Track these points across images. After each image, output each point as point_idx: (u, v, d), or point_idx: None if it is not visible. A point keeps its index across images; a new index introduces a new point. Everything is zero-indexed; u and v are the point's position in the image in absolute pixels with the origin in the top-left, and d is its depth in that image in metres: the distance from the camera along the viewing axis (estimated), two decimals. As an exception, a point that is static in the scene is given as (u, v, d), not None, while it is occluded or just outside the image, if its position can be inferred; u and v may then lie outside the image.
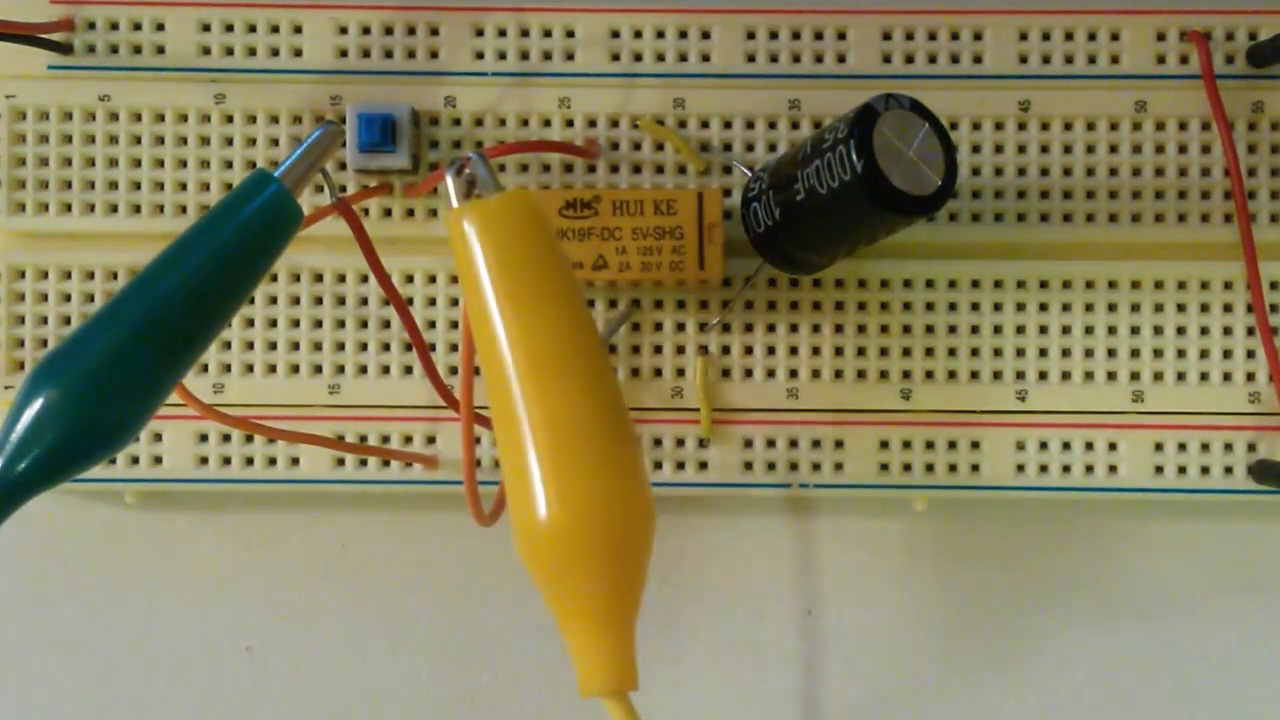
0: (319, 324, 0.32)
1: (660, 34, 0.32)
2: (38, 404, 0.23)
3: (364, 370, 0.32)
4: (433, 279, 0.32)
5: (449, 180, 0.26)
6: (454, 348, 0.32)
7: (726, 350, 0.32)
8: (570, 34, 0.32)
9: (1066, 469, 0.32)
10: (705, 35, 0.32)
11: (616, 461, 0.25)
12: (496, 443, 0.26)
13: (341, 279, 0.32)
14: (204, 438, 0.32)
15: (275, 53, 0.32)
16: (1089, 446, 0.32)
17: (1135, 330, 0.32)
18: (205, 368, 0.32)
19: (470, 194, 0.26)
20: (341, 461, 0.32)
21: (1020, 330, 0.32)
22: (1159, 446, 0.32)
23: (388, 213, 0.32)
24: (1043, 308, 0.32)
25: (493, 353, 0.25)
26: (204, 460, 0.32)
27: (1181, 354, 0.32)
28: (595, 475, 0.25)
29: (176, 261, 0.25)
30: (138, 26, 0.32)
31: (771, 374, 0.32)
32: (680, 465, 0.32)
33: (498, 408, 0.25)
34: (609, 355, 0.28)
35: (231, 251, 0.25)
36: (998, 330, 0.32)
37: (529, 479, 0.25)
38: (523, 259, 0.25)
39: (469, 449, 0.28)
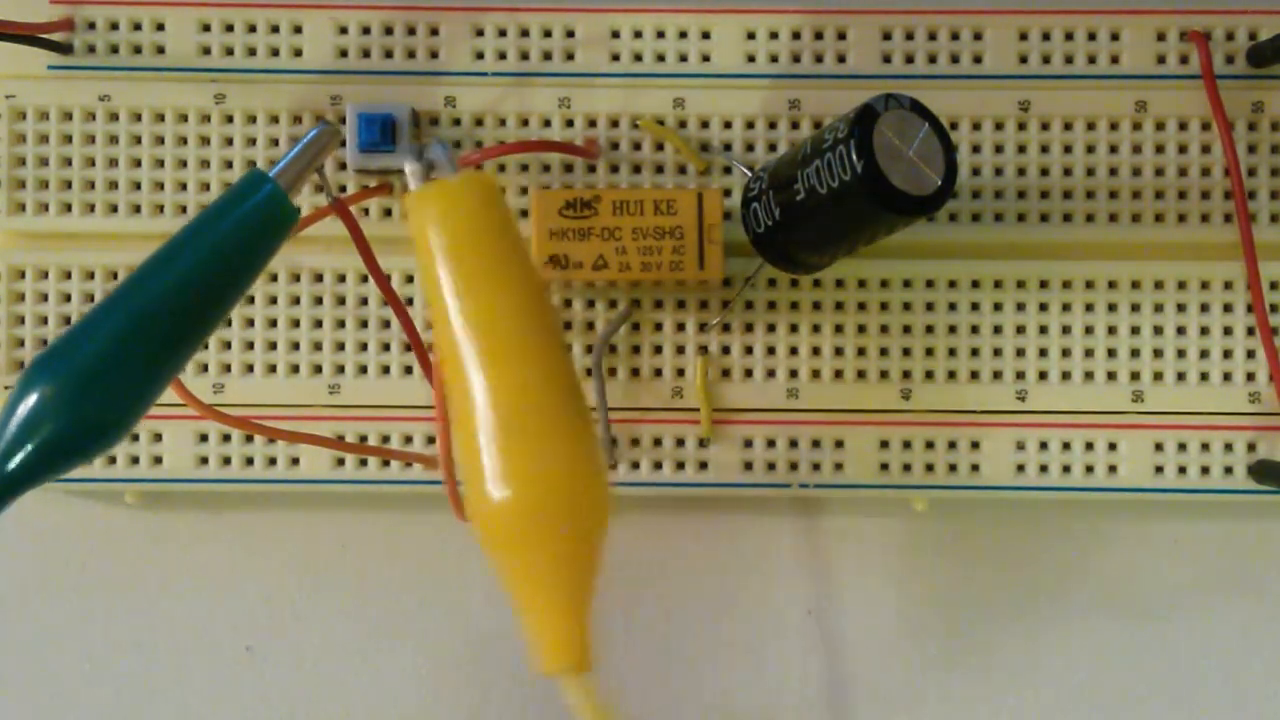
0: (319, 324, 0.32)
1: (660, 34, 0.32)
2: (31, 400, 0.23)
3: (364, 370, 0.32)
4: (433, 279, 0.32)
5: (408, 167, 0.26)
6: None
7: (726, 350, 0.32)
8: (570, 34, 0.32)
9: (1066, 469, 0.32)
10: (705, 35, 0.32)
11: (570, 441, 0.25)
12: (450, 422, 0.26)
13: (341, 279, 0.32)
14: (204, 438, 0.32)
15: (275, 53, 0.32)
16: (1089, 446, 0.32)
17: (1135, 330, 0.32)
18: (205, 368, 0.32)
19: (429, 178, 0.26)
20: (341, 461, 0.32)
21: (1020, 330, 0.32)
22: (1159, 446, 0.32)
23: (388, 213, 0.32)
24: (1043, 308, 0.32)
25: (447, 331, 0.26)
26: (204, 460, 0.32)
27: (1181, 354, 0.32)
28: (548, 453, 0.25)
29: (170, 260, 0.25)
30: (138, 26, 0.32)
31: (771, 374, 0.32)
32: (680, 465, 0.32)
33: (453, 385, 0.26)
34: (564, 336, 0.29)
35: (226, 250, 0.25)
36: (998, 330, 0.32)
37: (481, 457, 0.25)
38: (480, 238, 0.26)
39: (445, 445, 0.28)
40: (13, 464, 0.23)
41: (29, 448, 0.23)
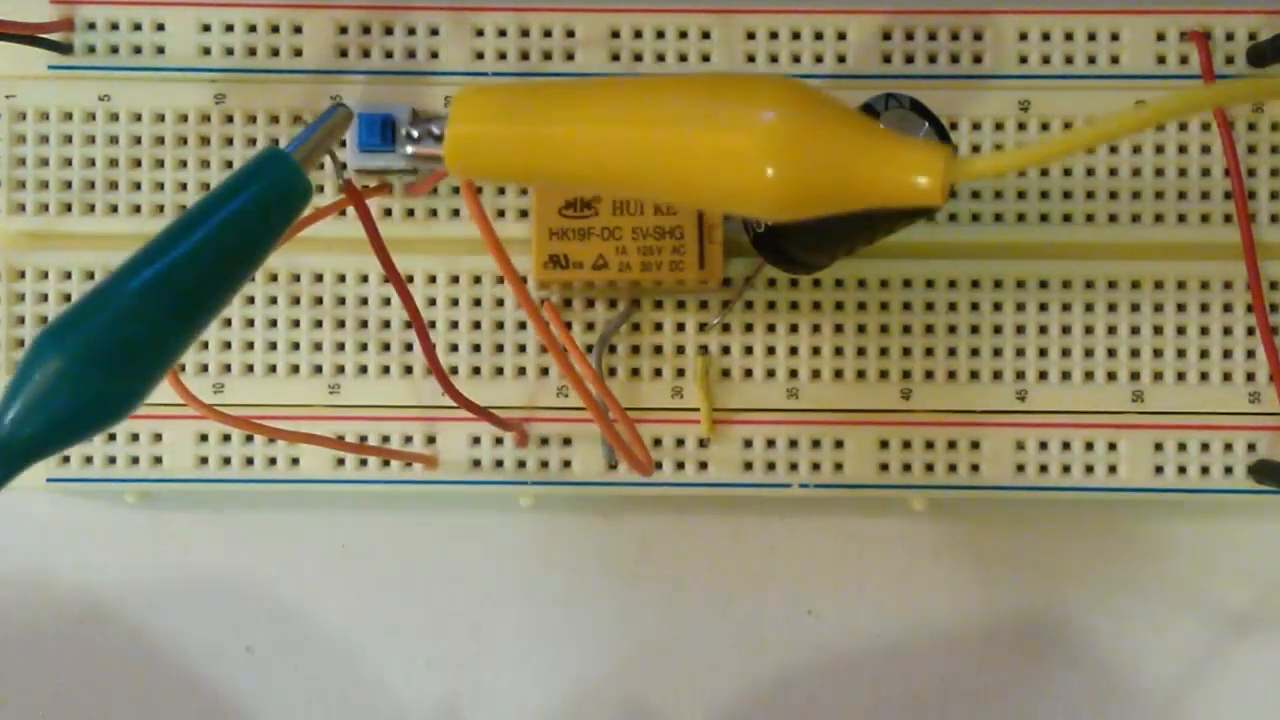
0: (319, 324, 0.32)
1: (660, 34, 0.32)
2: (40, 372, 0.23)
3: (364, 370, 0.32)
4: (433, 279, 0.32)
5: (414, 149, 0.25)
6: (454, 347, 0.32)
7: (726, 350, 0.32)
8: (570, 34, 0.32)
9: (1066, 469, 0.32)
10: (705, 35, 0.32)
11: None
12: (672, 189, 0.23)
13: (342, 279, 0.32)
14: (204, 438, 0.32)
15: (275, 53, 0.32)
16: (1089, 446, 0.32)
17: (1135, 330, 0.32)
18: (205, 368, 0.32)
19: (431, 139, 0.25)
20: (341, 461, 0.32)
21: (1020, 330, 0.32)
22: (1159, 446, 0.32)
23: (388, 212, 0.32)
24: (1043, 308, 0.32)
25: (609, 143, 0.23)
26: (204, 460, 0.32)
27: (1181, 354, 0.32)
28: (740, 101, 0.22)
29: (184, 232, 0.24)
30: (138, 26, 0.32)
31: (771, 374, 0.32)
32: (680, 465, 0.32)
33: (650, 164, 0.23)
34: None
35: (240, 224, 0.24)
36: (998, 330, 0.32)
37: (719, 137, 0.22)
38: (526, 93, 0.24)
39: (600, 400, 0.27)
40: (21, 436, 0.23)
41: (38, 421, 0.23)
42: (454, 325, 0.32)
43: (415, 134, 0.25)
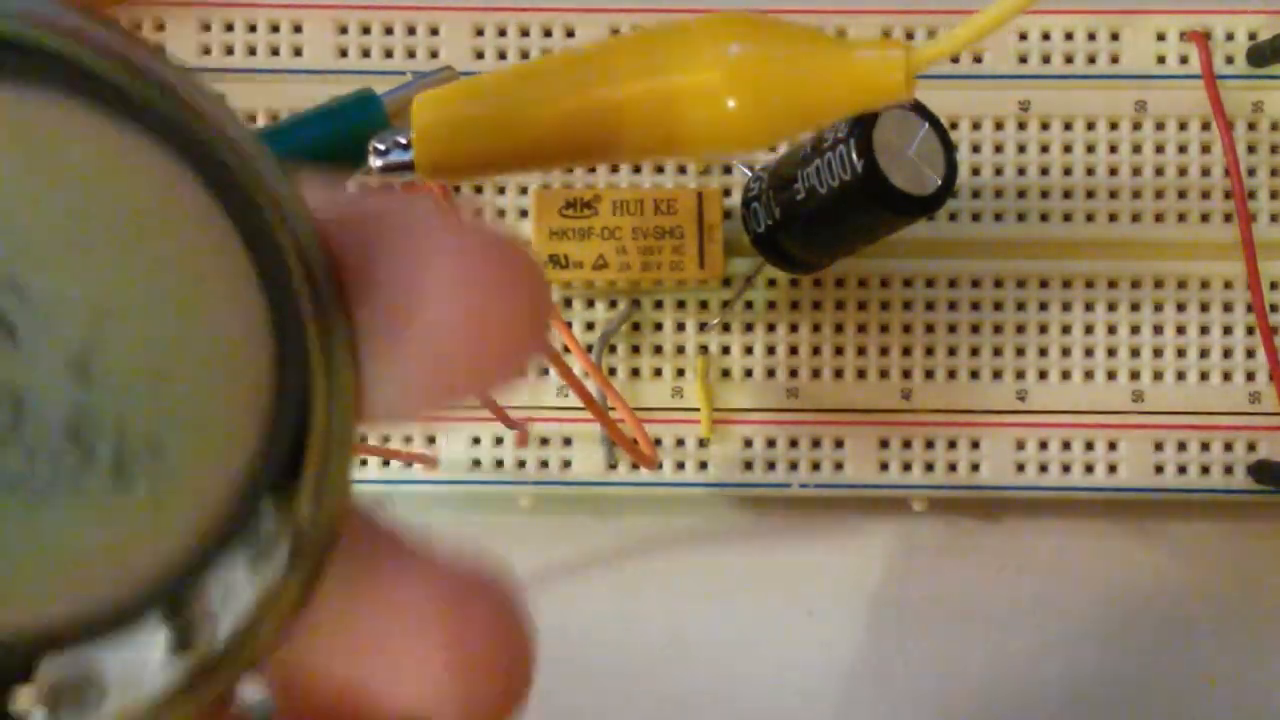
0: (319, 324, 0.32)
1: (660, 34, 0.32)
2: None
3: (364, 370, 0.32)
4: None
5: (381, 162, 0.24)
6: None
7: (726, 350, 0.32)
8: (570, 34, 0.32)
9: (1066, 469, 0.32)
10: (705, 35, 0.32)
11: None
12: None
13: (341, 279, 0.32)
14: (204, 438, 0.32)
15: (275, 52, 0.32)
16: (1089, 446, 0.32)
17: (1135, 330, 0.32)
18: (205, 368, 0.32)
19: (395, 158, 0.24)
20: (341, 461, 0.32)
21: (1020, 329, 0.32)
22: (1159, 446, 0.32)
23: (388, 213, 0.32)
24: (1043, 307, 0.32)
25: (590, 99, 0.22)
26: (204, 460, 0.32)
27: (1181, 354, 0.32)
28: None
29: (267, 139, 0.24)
30: (138, 27, 0.32)
31: (771, 374, 0.32)
32: (680, 465, 0.32)
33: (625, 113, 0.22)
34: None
35: (312, 150, 0.24)
36: (998, 330, 0.32)
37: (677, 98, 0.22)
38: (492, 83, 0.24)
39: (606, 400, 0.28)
40: None
41: None
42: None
43: (382, 147, 0.25)
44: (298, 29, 0.32)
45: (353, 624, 0.14)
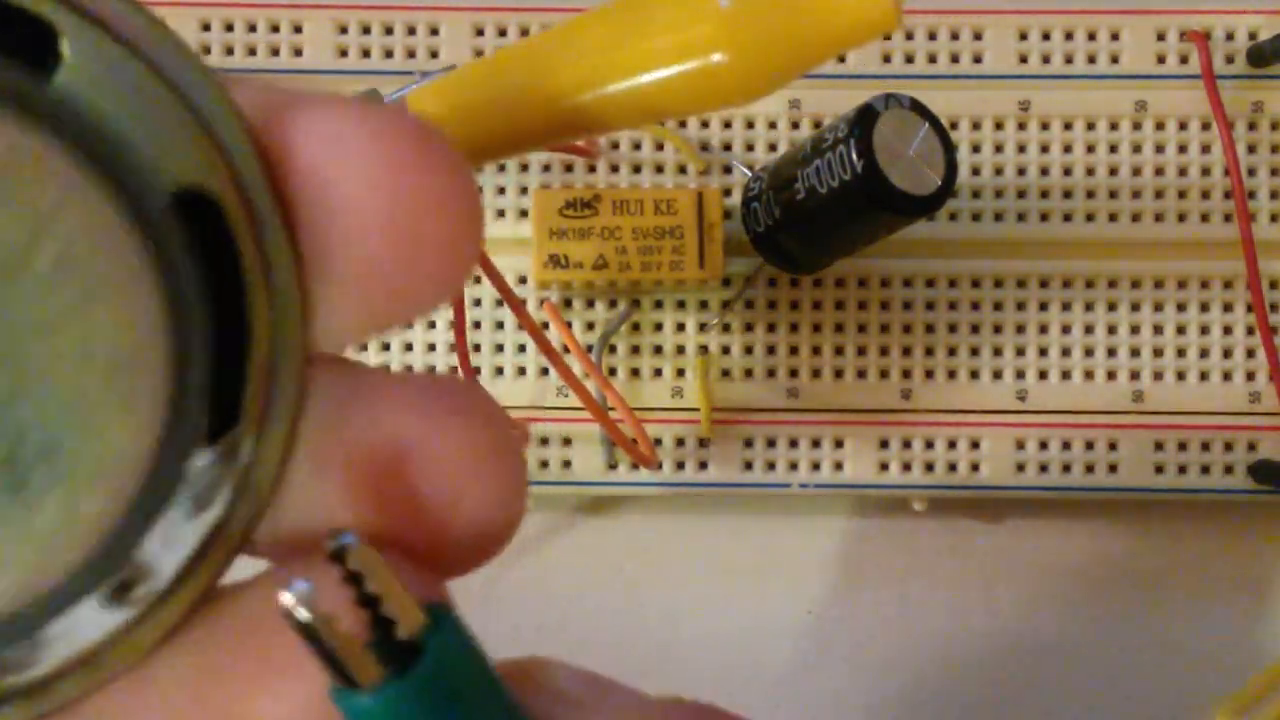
0: (319, 324, 0.32)
1: (660, 34, 0.32)
2: None
3: (364, 370, 0.32)
4: (433, 279, 0.32)
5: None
6: (452, 347, 0.32)
7: (726, 350, 0.32)
8: (570, 34, 0.32)
9: (1066, 469, 0.32)
10: (705, 35, 0.32)
11: None
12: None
13: (341, 279, 0.32)
14: (204, 438, 0.32)
15: (275, 52, 0.32)
16: (1089, 446, 0.32)
17: (1135, 329, 0.32)
18: (205, 368, 0.32)
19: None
20: (341, 461, 0.32)
21: (1020, 329, 0.32)
22: (1159, 446, 0.32)
23: (388, 213, 0.32)
24: (1043, 307, 0.32)
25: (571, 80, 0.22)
26: (204, 460, 0.32)
27: (1181, 353, 0.32)
28: None
29: None
30: (138, 26, 0.32)
31: (771, 374, 0.32)
32: (680, 465, 0.32)
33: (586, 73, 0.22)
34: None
35: None
36: (998, 330, 0.32)
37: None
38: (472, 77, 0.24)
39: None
40: None
41: None
42: (451, 325, 0.32)
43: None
44: (298, 29, 0.32)
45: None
